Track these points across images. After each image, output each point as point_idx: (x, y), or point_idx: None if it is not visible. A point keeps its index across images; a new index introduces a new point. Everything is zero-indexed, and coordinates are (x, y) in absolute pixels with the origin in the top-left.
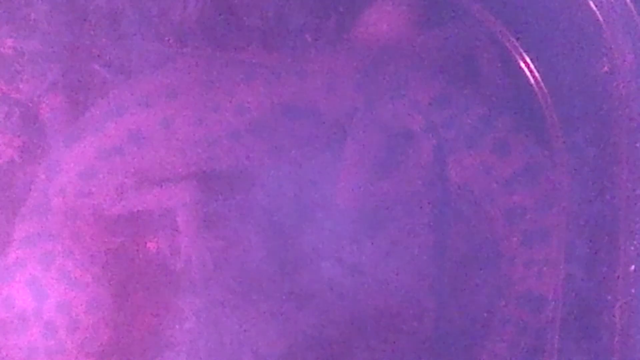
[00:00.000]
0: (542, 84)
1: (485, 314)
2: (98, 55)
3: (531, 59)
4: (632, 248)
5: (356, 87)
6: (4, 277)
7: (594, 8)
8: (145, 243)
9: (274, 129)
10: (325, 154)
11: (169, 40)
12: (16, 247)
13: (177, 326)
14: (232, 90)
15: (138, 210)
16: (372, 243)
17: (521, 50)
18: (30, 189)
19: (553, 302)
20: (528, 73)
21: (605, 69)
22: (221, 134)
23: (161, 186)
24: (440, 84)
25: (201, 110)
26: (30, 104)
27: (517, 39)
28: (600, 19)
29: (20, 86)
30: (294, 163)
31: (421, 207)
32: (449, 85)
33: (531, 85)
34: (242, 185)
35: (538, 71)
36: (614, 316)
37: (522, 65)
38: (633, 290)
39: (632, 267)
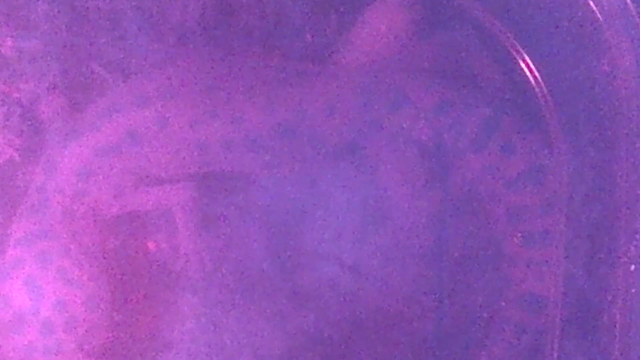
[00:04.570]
0: (542, 84)
1: (485, 314)
2: (98, 55)
3: (531, 59)
4: (632, 248)
5: (357, 108)
6: (1, 276)
7: (594, 8)
8: (145, 243)
9: (271, 146)
10: (325, 160)
11: (168, 40)
12: (13, 246)
13: (177, 326)
14: (231, 98)
15: (136, 210)
16: (372, 243)
17: (521, 51)
18: (28, 188)
19: (553, 303)
20: (528, 73)
21: (605, 69)
22: (215, 141)
23: (159, 186)
24: (442, 89)
25: (198, 114)
26: (30, 104)
27: (517, 39)
28: (600, 19)
29: (20, 86)
30: (292, 167)
31: (421, 207)
32: (450, 89)
33: (532, 85)
34: (242, 185)
35: (538, 71)
36: (614, 316)
37: (522, 65)
38: (633, 290)
39: (632, 267)
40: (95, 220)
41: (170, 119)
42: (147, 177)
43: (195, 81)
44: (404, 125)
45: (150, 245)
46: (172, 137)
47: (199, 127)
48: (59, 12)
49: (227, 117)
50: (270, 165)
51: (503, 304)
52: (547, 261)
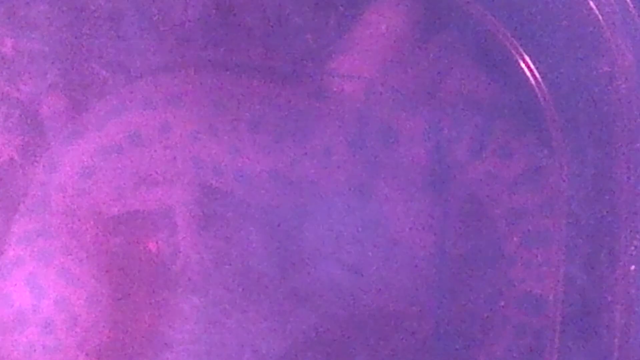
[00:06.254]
0: (542, 84)
1: (485, 315)
2: (98, 55)
3: (531, 59)
4: (632, 248)
5: (351, 149)
6: (2, 275)
7: (594, 8)
8: (145, 243)
9: (261, 186)
10: (324, 156)
11: (169, 40)
12: (15, 244)
13: (177, 326)
14: (234, 123)
15: (137, 210)
16: (372, 243)
17: (521, 50)
18: (29, 187)
19: (553, 303)
20: (528, 73)
21: (605, 69)
22: (210, 161)
23: (160, 186)
24: (437, 102)
25: (199, 127)
26: (30, 104)
27: (517, 39)
28: (600, 19)
29: (20, 86)
30: (292, 168)
31: (421, 207)
32: (446, 99)
33: (531, 85)
34: (242, 185)
35: (538, 71)
36: (614, 316)
37: (522, 65)
38: (633, 291)
39: (632, 267)
40: (96, 220)
41: (172, 125)
42: (148, 177)
43: (201, 90)
44: (400, 155)
45: (151, 245)
46: (172, 144)
47: (197, 141)
48: (59, 12)
49: (226, 141)
50: (259, 202)
51: (503, 304)
52: (547, 261)
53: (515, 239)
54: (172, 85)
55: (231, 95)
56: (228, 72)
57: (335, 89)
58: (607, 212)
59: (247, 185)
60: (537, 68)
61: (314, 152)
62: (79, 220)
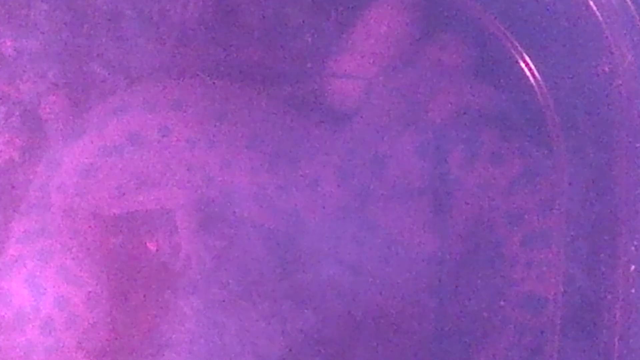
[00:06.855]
0: (542, 84)
1: (485, 315)
2: (98, 55)
3: (531, 59)
4: (632, 248)
5: (342, 178)
6: (2, 274)
7: (594, 8)
8: (145, 243)
9: (247, 203)
10: (323, 154)
11: (169, 41)
12: (14, 243)
13: (177, 326)
14: (232, 137)
15: (137, 210)
16: (372, 243)
17: (521, 50)
18: (29, 187)
19: (553, 303)
20: (528, 73)
21: (605, 69)
22: (203, 172)
23: (160, 187)
24: (442, 95)
25: (198, 135)
26: (30, 104)
27: (517, 39)
28: (600, 19)
29: (20, 86)
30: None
31: (421, 208)
32: (450, 95)
33: (531, 85)
34: (242, 185)
35: (538, 71)
36: (614, 316)
37: (522, 65)
38: (633, 290)
39: (632, 267)
40: (96, 219)
41: (172, 130)
42: (148, 178)
43: (202, 96)
44: (399, 158)
45: (151, 245)
46: (170, 148)
47: (194, 149)
48: (59, 12)
49: (220, 154)
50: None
51: (503, 304)
52: (547, 261)
53: (515, 239)
54: (173, 88)
55: (233, 104)
56: (229, 76)
57: (335, 89)
58: (607, 212)
59: (235, 200)
60: (537, 68)
61: (302, 181)
62: (79, 220)
